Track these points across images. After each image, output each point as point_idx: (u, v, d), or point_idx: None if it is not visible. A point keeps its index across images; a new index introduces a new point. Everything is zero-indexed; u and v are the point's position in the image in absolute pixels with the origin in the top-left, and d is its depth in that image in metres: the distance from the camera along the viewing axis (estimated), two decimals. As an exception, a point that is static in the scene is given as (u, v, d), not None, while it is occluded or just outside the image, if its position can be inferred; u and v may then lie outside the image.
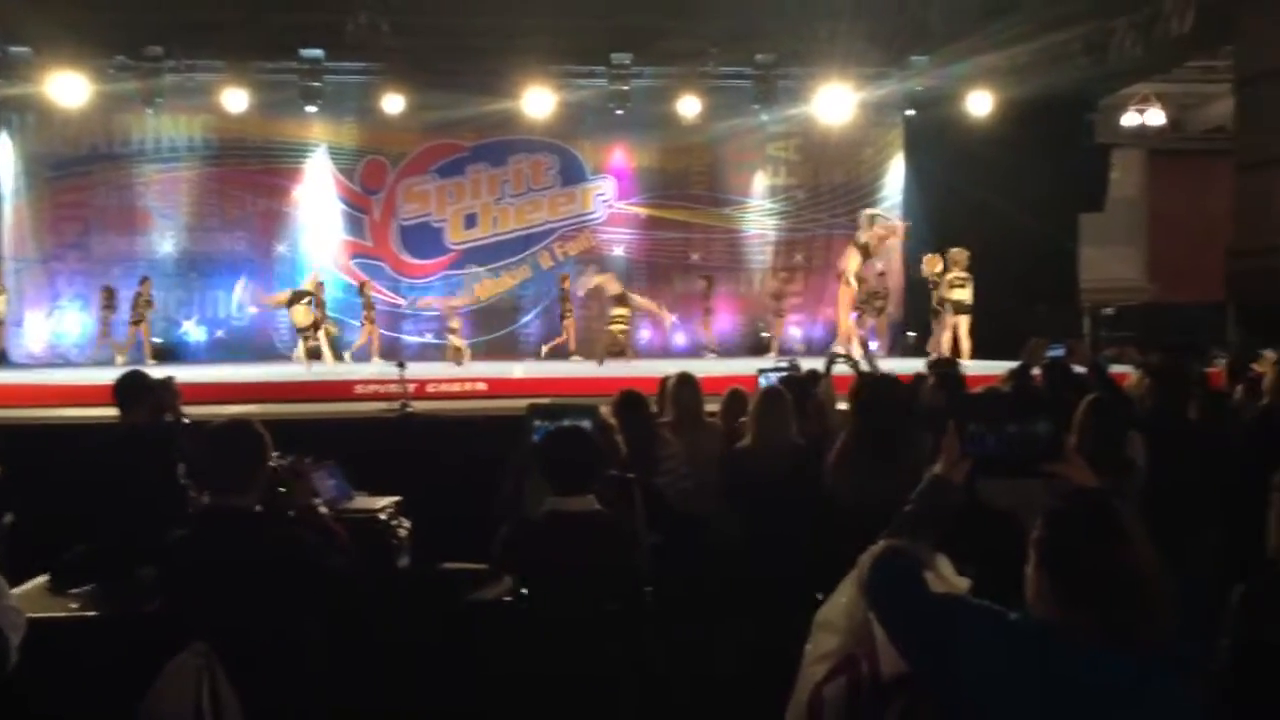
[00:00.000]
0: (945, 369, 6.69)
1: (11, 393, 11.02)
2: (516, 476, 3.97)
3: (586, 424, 3.97)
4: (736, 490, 4.83)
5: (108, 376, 6.30)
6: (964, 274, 14.11)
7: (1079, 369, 6.30)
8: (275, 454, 3.52)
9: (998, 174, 15.86)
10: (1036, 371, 6.02)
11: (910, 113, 17.63)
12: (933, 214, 17.31)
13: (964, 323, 13.95)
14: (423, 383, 11.33)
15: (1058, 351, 6.68)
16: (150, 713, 2.91)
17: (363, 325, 16.16)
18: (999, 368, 9.19)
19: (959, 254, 14.21)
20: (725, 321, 17.44)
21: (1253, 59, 15.51)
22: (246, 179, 17.13)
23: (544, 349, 16.26)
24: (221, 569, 3.10)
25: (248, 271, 16.95)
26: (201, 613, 3.06)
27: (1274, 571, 2.91)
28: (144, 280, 15.71)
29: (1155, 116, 20.96)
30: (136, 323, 15.48)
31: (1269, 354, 8.69)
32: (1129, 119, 21.12)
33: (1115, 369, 6.53)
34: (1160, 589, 2.08)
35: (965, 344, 13.80)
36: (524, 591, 3.72)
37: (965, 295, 14.04)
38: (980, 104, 15.68)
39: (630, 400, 5.24)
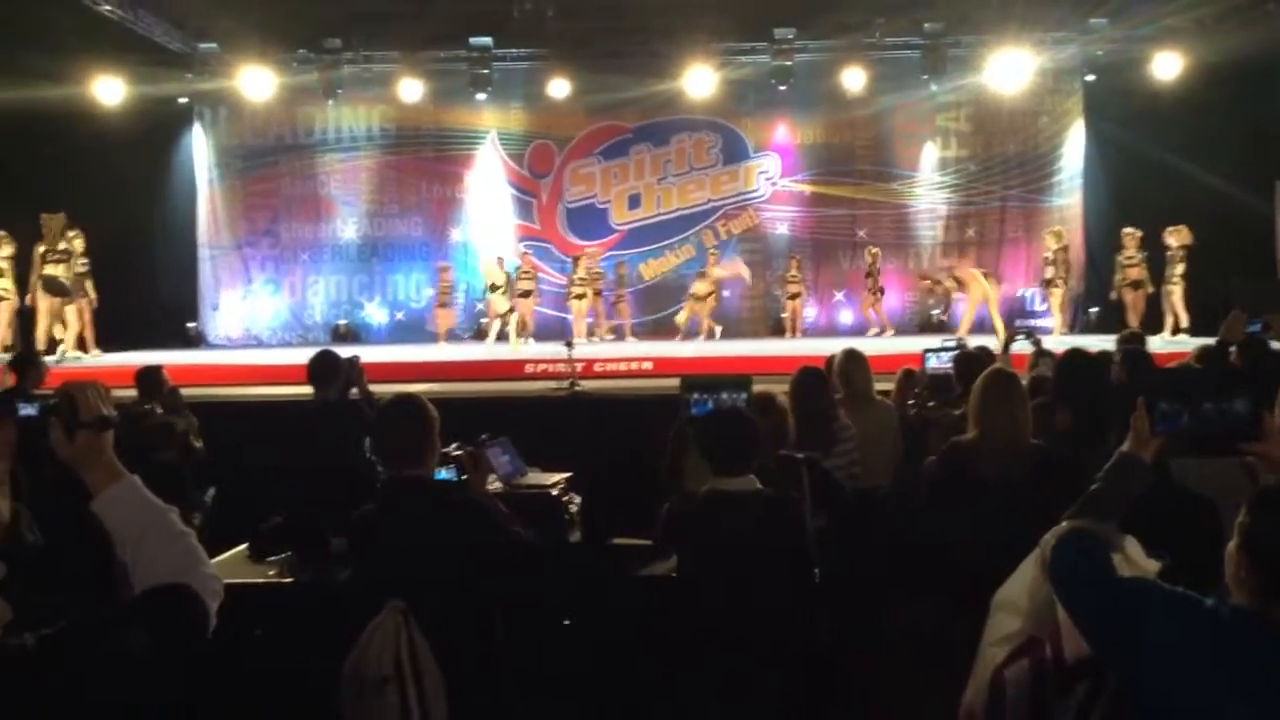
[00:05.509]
0: (1131, 345, 6.41)
1: (210, 373, 11.73)
2: (674, 450, 4.00)
3: (742, 398, 3.98)
4: (952, 491, 4.01)
5: (299, 357, 6.62)
6: (1134, 253, 14.36)
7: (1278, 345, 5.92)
8: (456, 441, 3.62)
9: (1187, 140, 14.97)
10: (1232, 348, 5.68)
11: (1090, 78, 16.79)
12: (1115, 184, 16.50)
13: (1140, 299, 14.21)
14: (590, 362, 11.52)
15: (1256, 326, 6.23)
16: (356, 668, 3.08)
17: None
18: (1189, 344, 8.74)
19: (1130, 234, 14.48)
20: (893, 299, 17.05)
21: None
22: (422, 166, 17.74)
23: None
24: (411, 534, 3.25)
25: (423, 256, 17.49)
26: (395, 577, 3.20)
27: None
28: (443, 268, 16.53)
29: (1365, 73, 19.42)
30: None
31: None
32: (1334, 77, 19.64)
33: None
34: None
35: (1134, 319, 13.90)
36: (684, 569, 3.76)
37: (1136, 274, 14.27)
38: (1167, 66, 14.79)
39: (808, 378, 5.15)
